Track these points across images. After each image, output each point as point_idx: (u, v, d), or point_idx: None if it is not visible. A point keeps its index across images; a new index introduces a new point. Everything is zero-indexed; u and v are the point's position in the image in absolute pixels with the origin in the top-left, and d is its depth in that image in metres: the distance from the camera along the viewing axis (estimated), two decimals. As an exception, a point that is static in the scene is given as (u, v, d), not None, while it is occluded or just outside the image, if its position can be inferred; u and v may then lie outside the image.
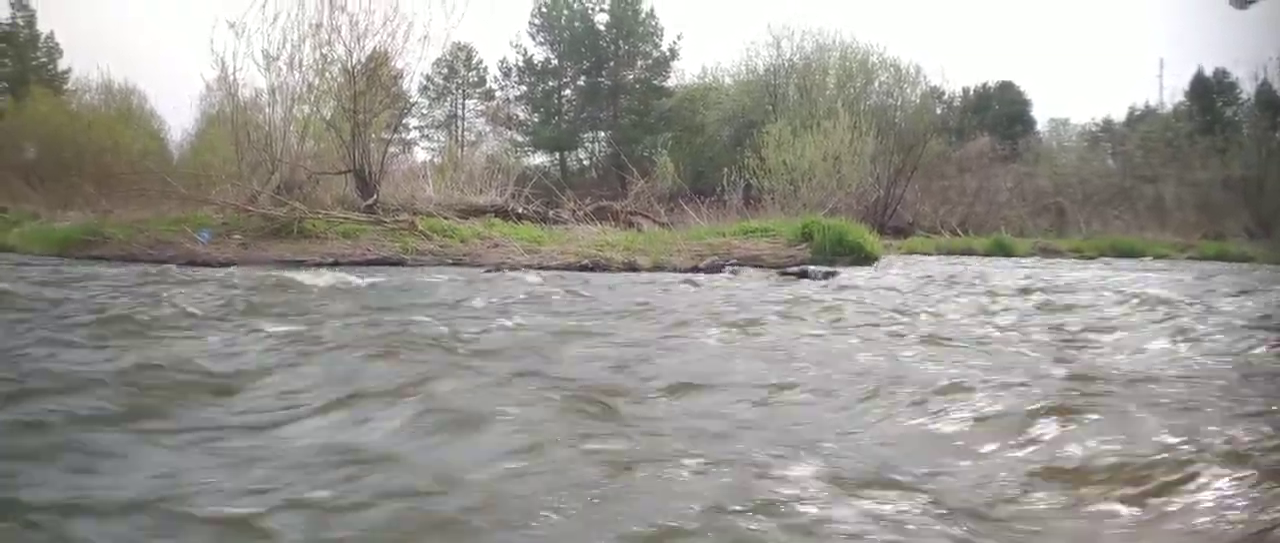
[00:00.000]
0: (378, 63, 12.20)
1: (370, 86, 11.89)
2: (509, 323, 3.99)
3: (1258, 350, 3.55)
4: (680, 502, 1.49)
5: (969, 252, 16.51)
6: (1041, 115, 36.78)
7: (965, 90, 35.50)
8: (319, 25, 11.74)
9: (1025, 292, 6.74)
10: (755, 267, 9.64)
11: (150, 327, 3.52)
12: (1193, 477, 1.64)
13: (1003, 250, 16.57)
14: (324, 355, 2.87)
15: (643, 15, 35.14)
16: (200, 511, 1.44)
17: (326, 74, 12.13)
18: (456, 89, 36.43)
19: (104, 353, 2.85)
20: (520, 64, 35.80)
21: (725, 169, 20.99)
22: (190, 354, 2.80)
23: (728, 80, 34.01)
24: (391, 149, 13.81)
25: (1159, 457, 1.76)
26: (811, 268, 8.75)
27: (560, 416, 2.09)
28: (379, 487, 1.56)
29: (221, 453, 1.79)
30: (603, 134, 36.04)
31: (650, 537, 1.36)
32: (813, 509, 1.47)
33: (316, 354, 2.89)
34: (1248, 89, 30.81)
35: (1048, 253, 16.79)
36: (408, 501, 1.50)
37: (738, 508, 1.46)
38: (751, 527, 1.40)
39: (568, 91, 36.32)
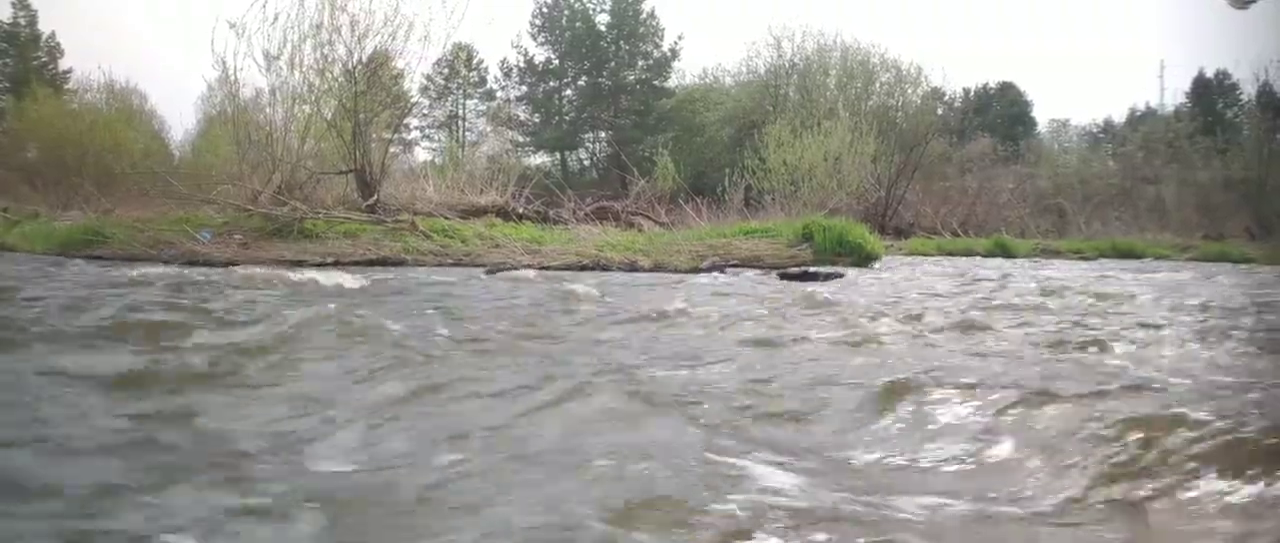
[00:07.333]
0: (378, 63, 12.19)
1: (371, 87, 11.88)
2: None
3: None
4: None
5: (970, 253, 16.47)
6: (1042, 116, 36.92)
7: (966, 91, 35.58)
8: (319, 25, 11.74)
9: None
10: (756, 268, 9.63)
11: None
12: None
13: (1004, 251, 16.52)
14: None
15: (643, 16, 35.14)
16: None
17: (327, 74, 12.10)
18: (457, 89, 36.42)
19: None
20: (521, 64, 35.82)
21: (726, 170, 20.99)
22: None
23: (728, 81, 34.06)
24: (392, 149, 13.80)
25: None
26: (813, 269, 8.74)
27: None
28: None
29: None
30: (603, 134, 36.04)
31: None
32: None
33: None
34: (1248, 90, 30.91)
35: (1048, 254, 16.77)
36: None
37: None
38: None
39: (568, 92, 36.32)
